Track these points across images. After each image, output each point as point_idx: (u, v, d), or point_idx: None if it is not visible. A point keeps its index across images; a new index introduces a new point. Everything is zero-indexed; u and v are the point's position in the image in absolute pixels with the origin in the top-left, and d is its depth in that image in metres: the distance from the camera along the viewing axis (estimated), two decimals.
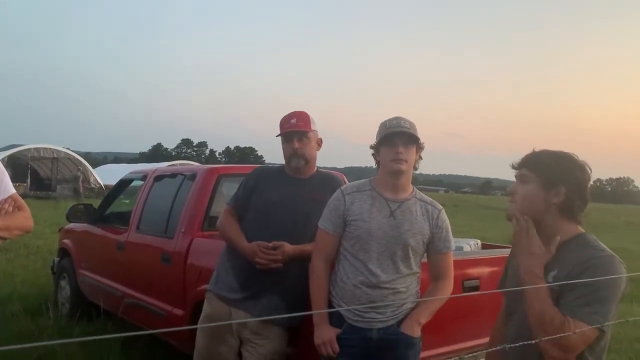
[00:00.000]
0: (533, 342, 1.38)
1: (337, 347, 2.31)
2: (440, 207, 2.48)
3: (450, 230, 2.48)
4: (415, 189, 2.47)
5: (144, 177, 4.73)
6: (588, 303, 1.58)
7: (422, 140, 2.38)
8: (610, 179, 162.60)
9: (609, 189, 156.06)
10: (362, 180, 2.52)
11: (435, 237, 2.41)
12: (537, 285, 1.63)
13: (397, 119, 2.37)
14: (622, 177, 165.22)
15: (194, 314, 3.23)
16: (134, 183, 5.28)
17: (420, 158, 2.42)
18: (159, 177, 4.50)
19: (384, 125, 2.37)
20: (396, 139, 2.31)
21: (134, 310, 4.26)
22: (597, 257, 1.65)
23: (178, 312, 3.60)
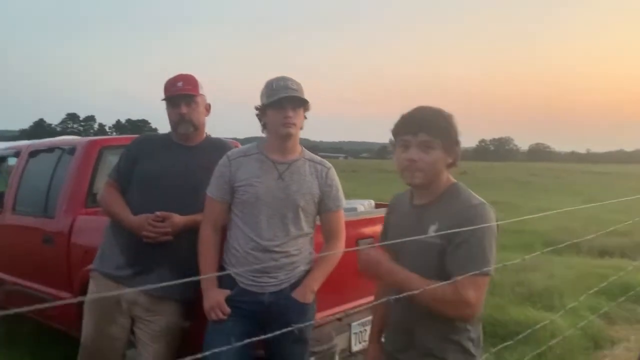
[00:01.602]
0: (416, 291, 1.41)
1: (226, 309, 2.26)
2: (329, 165, 2.47)
3: (340, 188, 2.47)
4: (303, 149, 2.44)
5: (17, 154, 4.37)
6: (475, 255, 1.66)
7: (309, 100, 2.33)
8: (493, 139, 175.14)
9: (492, 148, 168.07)
10: (249, 145, 2.45)
11: (325, 196, 2.40)
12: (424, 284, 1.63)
13: (284, 79, 2.30)
14: (503, 136, 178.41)
15: (82, 296, 3.04)
16: (6, 161, 4.83)
17: (305, 118, 2.39)
18: (35, 153, 4.16)
19: (270, 86, 2.29)
20: (285, 102, 2.26)
21: (16, 297, 3.96)
22: (471, 207, 1.73)
23: (65, 295, 3.38)
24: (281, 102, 2.25)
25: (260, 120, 2.37)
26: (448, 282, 1.63)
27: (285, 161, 2.35)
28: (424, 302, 1.67)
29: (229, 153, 2.41)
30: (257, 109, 2.36)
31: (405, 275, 1.70)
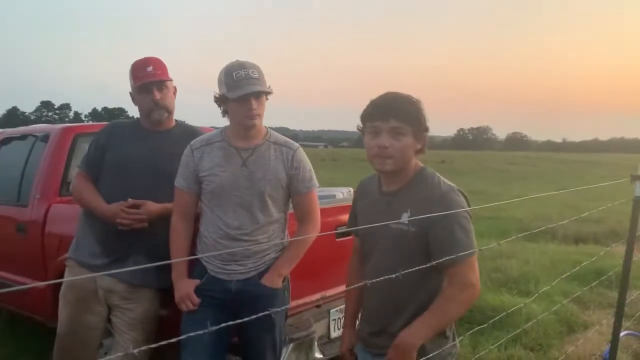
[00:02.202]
0: (393, 275, 1.42)
1: (195, 299, 2.25)
2: (297, 146, 2.38)
3: (310, 169, 2.38)
4: (269, 131, 2.37)
5: None
6: (460, 240, 1.67)
7: (269, 84, 2.25)
8: (472, 128, 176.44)
9: (470, 137, 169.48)
10: (214, 132, 2.40)
11: (293, 179, 2.32)
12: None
13: (243, 67, 2.19)
14: (481, 126, 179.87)
15: (58, 286, 3.00)
16: None
17: (267, 99, 2.30)
18: (7, 140, 4.08)
19: (230, 76, 2.18)
20: (249, 95, 2.18)
21: None
22: (443, 194, 1.73)
23: (40, 283, 3.33)
24: (245, 96, 2.17)
25: (219, 106, 2.29)
26: (446, 287, 1.68)
27: (249, 147, 2.29)
28: (451, 319, 1.73)
29: (192, 142, 2.35)
30: (217, 97, 2.27)
31: (429, 323, 1.69)
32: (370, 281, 1.42)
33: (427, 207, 1.68)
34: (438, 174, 1.81)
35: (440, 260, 1.63)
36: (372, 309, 1.90)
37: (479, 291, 1.74)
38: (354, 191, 2.06)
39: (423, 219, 1.65)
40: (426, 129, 1.78)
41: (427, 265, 1.59)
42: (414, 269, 1.58)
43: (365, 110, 1.79)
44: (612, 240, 7.11)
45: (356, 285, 1.80)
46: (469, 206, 1.75)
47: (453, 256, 1.63)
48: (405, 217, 1.73)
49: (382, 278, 1.46)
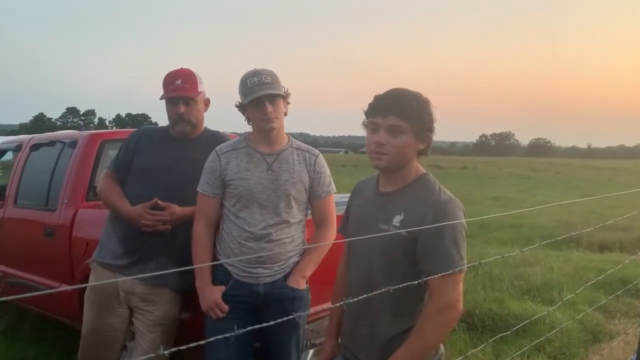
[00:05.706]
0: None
1: (225, 307, 2.29)
2: (317, 152, 2.50)
3: (328, 174, 2.50)
4: (291, 138, 2.47)
5: (18, 147, 4.37)
6: (449, 253, 1.60)
7: (286, 87, 2.35)
8: (494, 134, 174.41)
9: (493, 143, 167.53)
10: (238, 138, 2.48)
11: (315, 183, 2.43)
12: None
13: (257, 74, 2.29)
14: (504, 131, 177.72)
15: (84, 288, 3.07)
16: (8, 155, 4.84)
17: (288, 103, 2.40)
18: (36, 146, 4.17)
19: (245, 84, 2.30)
20: (262, 99, 2.27)
21: (19, 290, 3.97)
22: (442, 203, 1.66)
23: (67, 287, 3.40)
24: (258, 100, 2.27)
25: (243, 114, 2.39)
26: (428, 308, 1.62)
27: (273, 152, 2.38)
28: (429, 344, 1.65)
29: (217, 148, 2.42)
30: (237, 106, 2.37)
31: (407, 356, 1.62)
32: (369, 295, 1.40)
33: (422, 212, 1.63)
34: (439, 183, 1.75)
35: (428, 278, 1.57)
36: (355, 319, 1.82)
37: (460, 312, 1.65)
38: (352, 190, 2.03)
39: (415, 223, 1.60)
40: (430, 129, 1.71)
41: (417, 281, 1.53)
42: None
43: (368, 105, 1.73)
44: (638, 248, 6.98)
45: (355, 300, 1.59)
46: (466, 223, 1.68)
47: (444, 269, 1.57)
48: (397, 220, 1.68)
49: (377, 292, 1.43)
